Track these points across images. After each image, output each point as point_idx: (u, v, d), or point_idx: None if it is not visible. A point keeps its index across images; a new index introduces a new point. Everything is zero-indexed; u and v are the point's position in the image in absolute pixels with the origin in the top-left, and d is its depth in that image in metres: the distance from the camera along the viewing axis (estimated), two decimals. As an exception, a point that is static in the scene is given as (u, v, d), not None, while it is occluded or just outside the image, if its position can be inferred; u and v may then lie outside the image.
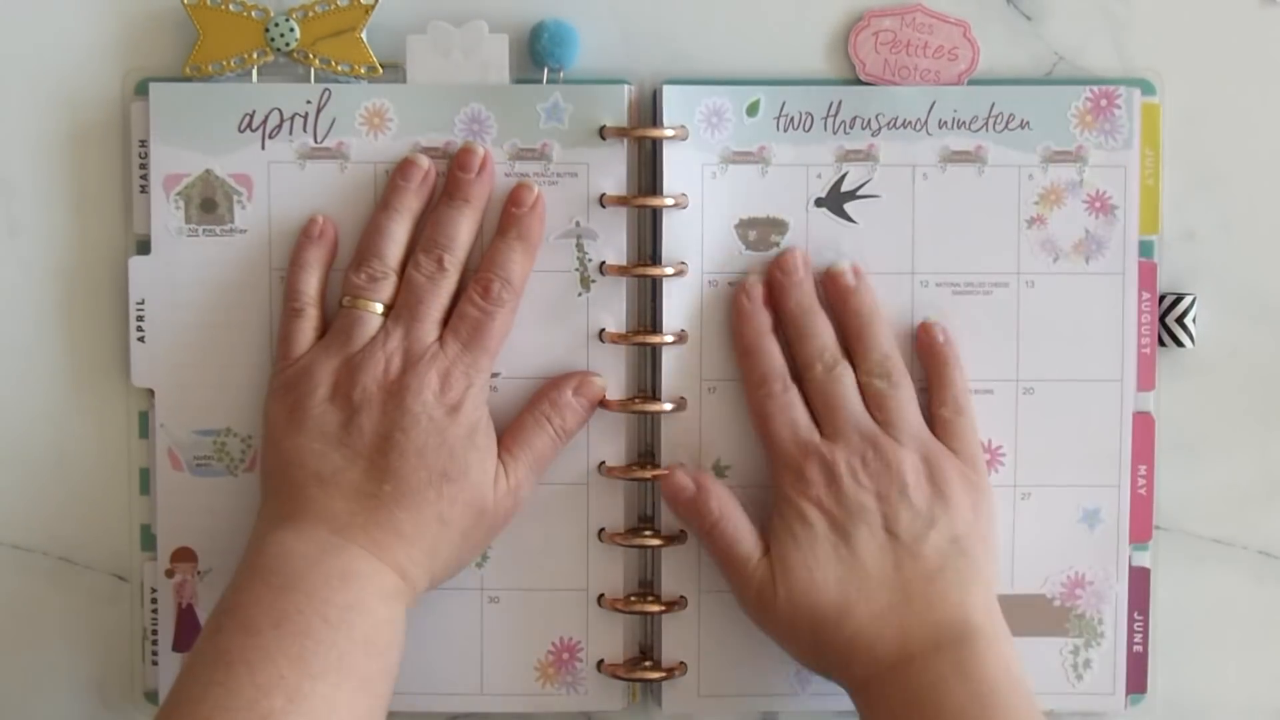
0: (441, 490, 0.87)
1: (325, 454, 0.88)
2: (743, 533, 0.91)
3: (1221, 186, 0.96)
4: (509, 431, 0.92)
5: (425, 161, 0.92)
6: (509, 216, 0.92)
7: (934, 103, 0.93)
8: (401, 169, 0.92)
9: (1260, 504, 0.97)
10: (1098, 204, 0.94)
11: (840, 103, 0.93)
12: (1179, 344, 0.95)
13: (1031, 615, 0.95)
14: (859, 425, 0.90)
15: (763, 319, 0.92)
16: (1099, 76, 0.95)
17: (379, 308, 0.90)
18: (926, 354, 0.93)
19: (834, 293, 0.93)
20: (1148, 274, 0.94)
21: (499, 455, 0.91)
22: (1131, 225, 0.94)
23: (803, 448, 0.90)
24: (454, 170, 0.92)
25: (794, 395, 0.91)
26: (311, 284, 0.92)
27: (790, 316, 0.92)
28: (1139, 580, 0.96)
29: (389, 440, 0.87)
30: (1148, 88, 0.95)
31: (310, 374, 0.90)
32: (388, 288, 0.91)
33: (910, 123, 0.93)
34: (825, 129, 0.93)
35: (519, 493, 0.91)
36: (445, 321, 0.91)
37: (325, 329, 0.92)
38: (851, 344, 0.92)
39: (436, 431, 0.88)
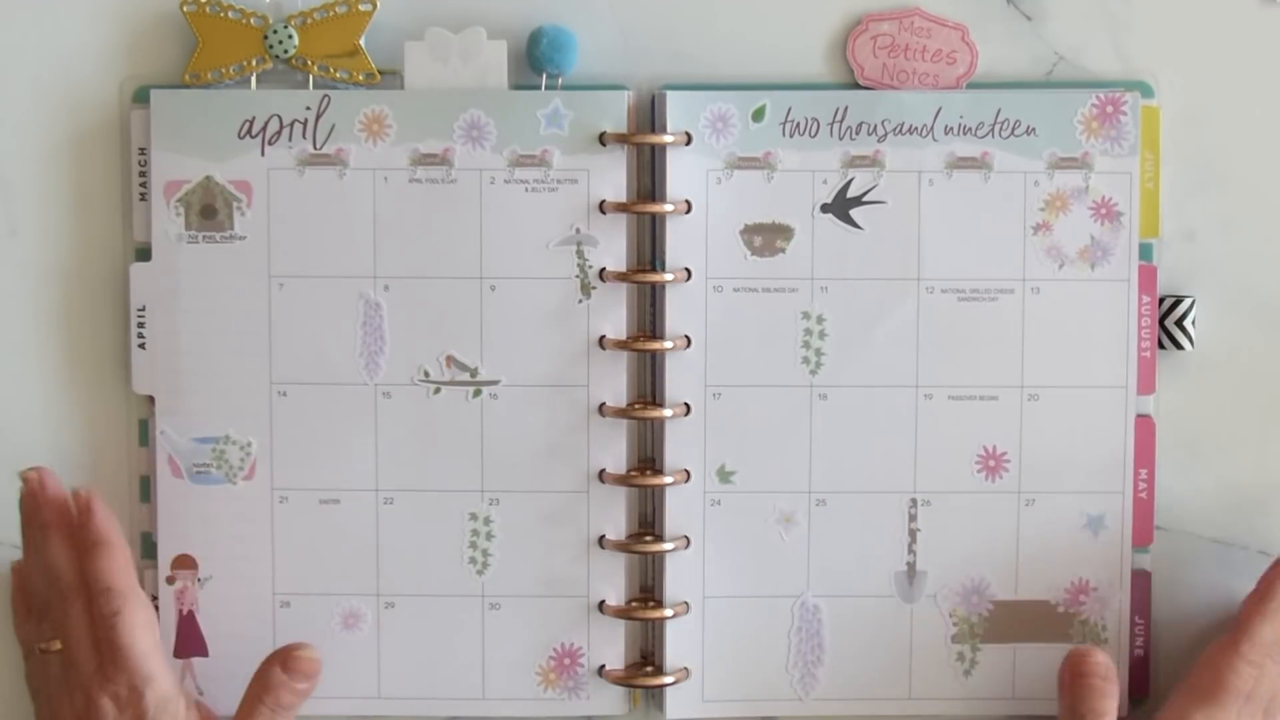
0: None
1: None
2: None
3: (1221, 187, 0.96)
4: (237, 713, 0.92)
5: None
6: (79, 528, 0.91)
7: (939, 109, 0.93)
8: (19, 504, 0.93)
9: (1260, 504, 0.97)
10: (1103, 210, 0.94)
11: (846, 108, 0.93)
12: (1178, 346, 0.95)
13: (1036, 622, 0.95)
14: None
15: None
16: (1099, 77, 0.95)
17: (58, 644, 0.91)
18: None
19: None
20: (1147, 277, 0.95)
21: None
22: (1135, 231, 0.94)
23: (1230, 707, 0.90)
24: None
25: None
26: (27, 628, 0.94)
27: None
28: (1139, 583, 0.96)
29: None
30: (1146, 90, 0.94)
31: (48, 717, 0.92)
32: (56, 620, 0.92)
33: (916, 129, 0.93)
34: (831, 135, 0.93)
35: None
36: None
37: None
38: None
39: None
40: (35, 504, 0.92)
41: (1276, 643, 0.91)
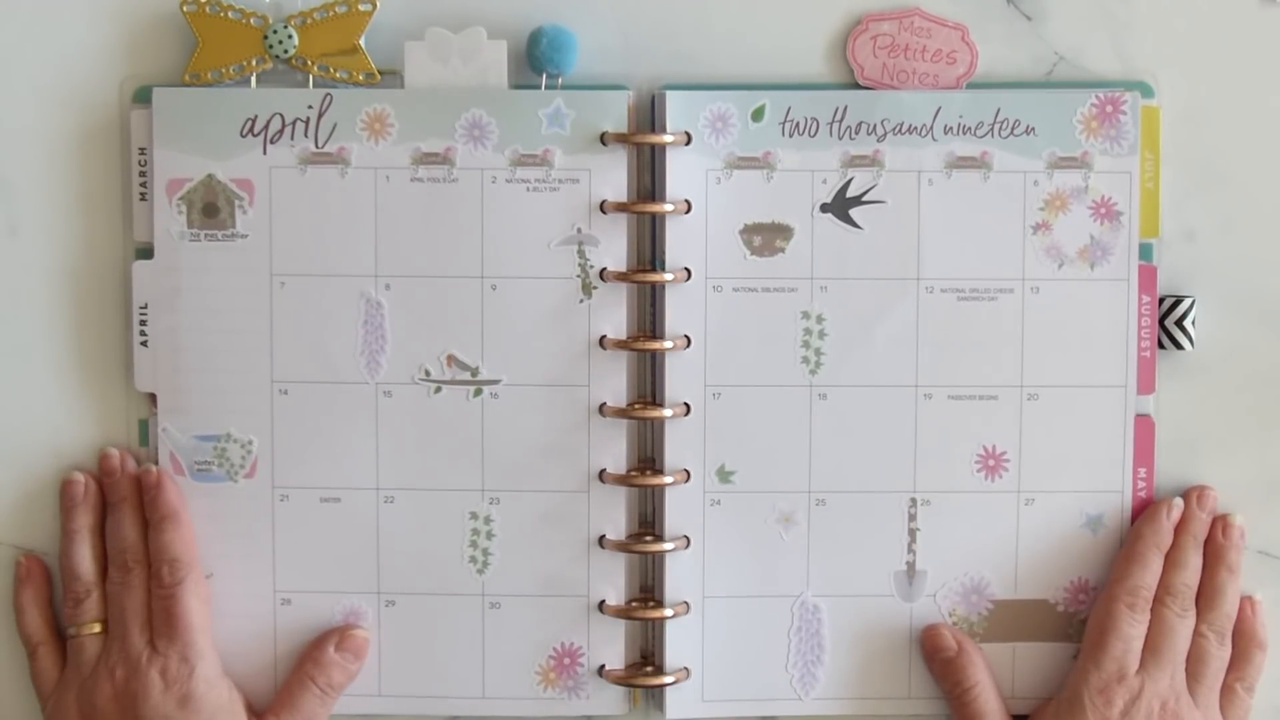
0: None
1: None
2: (992, 706, 0.93)
3: (1221, 187, 0.96)
4: (278, 696, 0.94)
5: (80, 477, 0.95)
6: (149, 504, 0.94)
7: (939, 108, 0.93)
8: (63, 491, 0.95)
9: (1260, 504, 0.97)
10: (1103, 210, 0.94)
11: (845, 108, 0.93)
12: (1178, 346, 0.95)
13: (1035, 621, 0.96)
14: (1176, 673, 0.92)
15: (1167, 538, 0.94)
16: (1099, 77, 0.95)
17: (96, 626, 0.93)
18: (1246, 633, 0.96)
19: (1212, 544, 0.95)
20: (1147, 277, 0.95)
21: None
22: (1135, 231, 0.94)
23: (1122, 672, 0.92)
24: (101, 479, 0.95)
25: (1146, 621, 0.93)
26: (33, 623, 0.95)
27: (1178, 542, 0.94)
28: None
29: None
30: (1146, 90, 0.94)
31: (60, 711, 0.93)
32: (95, 604, 0.94)
33: (915, 128, 0.93)
34: (830, 134, 0.93)
35: None
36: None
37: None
38: (1204, 590, 0.94)
39: None
40: (113, 479, 0.94)
41: (1153, 587, 0.93)
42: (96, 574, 0.94)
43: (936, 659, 0.94)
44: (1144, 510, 0.95)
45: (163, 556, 0.92)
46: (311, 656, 0.94)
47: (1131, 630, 0.92)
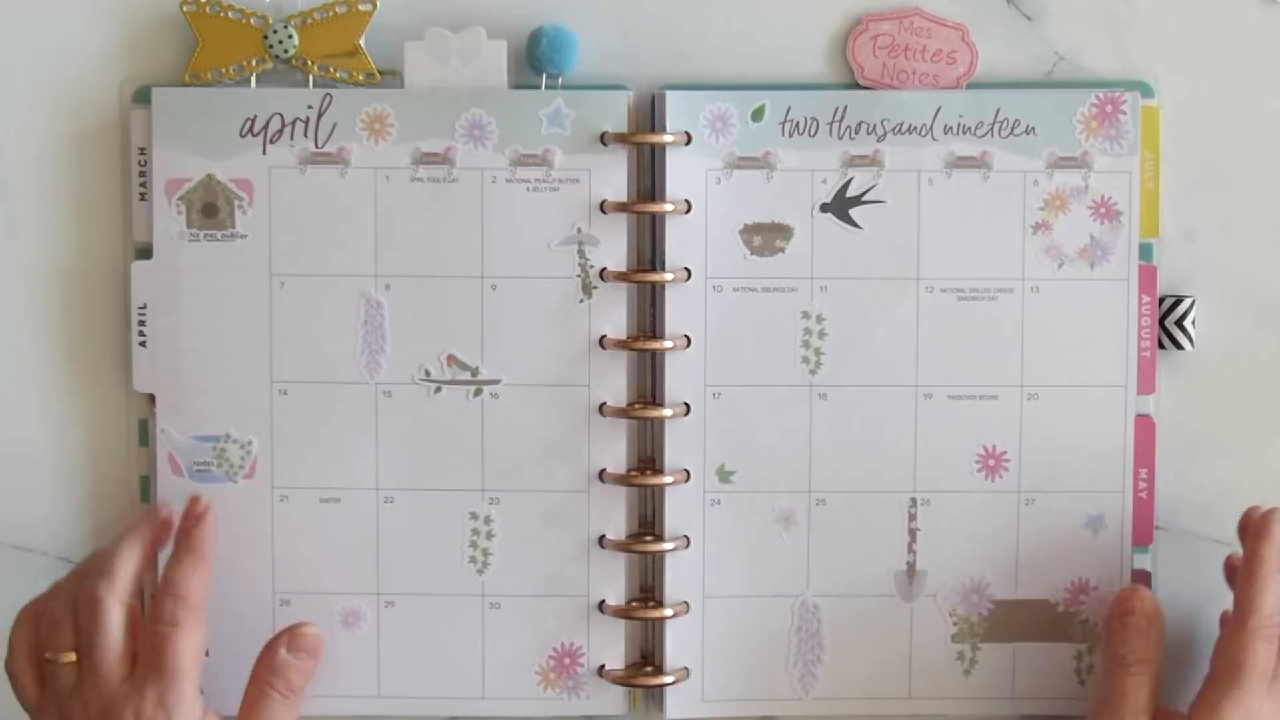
0: None
1: None
2: (1151, 688, 0.90)
3: (1221, 187, 0.96)
4: (241, 711, 0.90)
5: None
6: (181, 531, 0.91)
7: (939, 108, 0.93)
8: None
9: (1260, 504, 0.96)
10: (1103, 210, 0.94)
11: (845, 108, 0.93)
12: (1178, 346, 0.95)
13: (1036, 621, 0.95)
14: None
15: None
16: (1099, 77, 0.95)
17: (71, 655, 0.88)
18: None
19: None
20: (1147, 277, 0.95)
21: None
22: (1135, 231, 0.94)
23: (1255, 702, 0.88)
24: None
25: (1278, 646, 0.89)
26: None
27: None
28: (1139, 583, 0.96)
29: None
30: (1146, 90, 0.94)
31: None
32: (68, 631, 0.89)
33: (915, 128, 0.93)
34: (830, 134, 0.93)
35: None
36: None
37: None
38: None
39: None
40: (166, 526, 0.92)
41: None
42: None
43: (1127, 621, 0.90)
44: (1252, 527, 0.91)
45: (173, 590, 0.89)
46: (264, 664, 0.91)
47: (1268, 663, 0.88)
